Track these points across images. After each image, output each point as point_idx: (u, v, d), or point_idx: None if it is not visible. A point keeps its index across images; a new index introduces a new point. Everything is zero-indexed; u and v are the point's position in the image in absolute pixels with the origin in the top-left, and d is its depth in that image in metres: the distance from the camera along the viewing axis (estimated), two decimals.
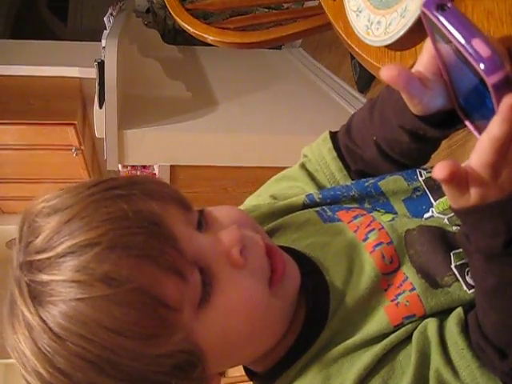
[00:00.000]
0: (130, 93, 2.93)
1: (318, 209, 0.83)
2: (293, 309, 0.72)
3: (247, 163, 2.94)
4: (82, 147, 3.20)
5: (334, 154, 0.90)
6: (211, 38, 1.75)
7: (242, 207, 0.89)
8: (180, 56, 3.45)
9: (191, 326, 0.62)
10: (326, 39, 3.47)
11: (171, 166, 2.99)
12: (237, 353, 0.69)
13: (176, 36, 3.64)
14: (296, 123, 2.96)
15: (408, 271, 0.72)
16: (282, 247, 0.74)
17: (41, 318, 0.58)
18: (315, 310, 0.71)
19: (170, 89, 3.08)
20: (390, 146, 0.82)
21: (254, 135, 2.93)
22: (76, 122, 3.05)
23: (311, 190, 0.88)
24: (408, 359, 0.65)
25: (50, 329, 0.57)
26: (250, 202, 0.91)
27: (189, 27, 1.80)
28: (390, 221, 0.78)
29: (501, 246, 0.57)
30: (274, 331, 0.71)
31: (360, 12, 0.99)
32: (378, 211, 0.83)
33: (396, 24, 0.89)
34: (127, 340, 0.57)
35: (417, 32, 0.85)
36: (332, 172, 0.90)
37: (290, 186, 0.91)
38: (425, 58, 0.68)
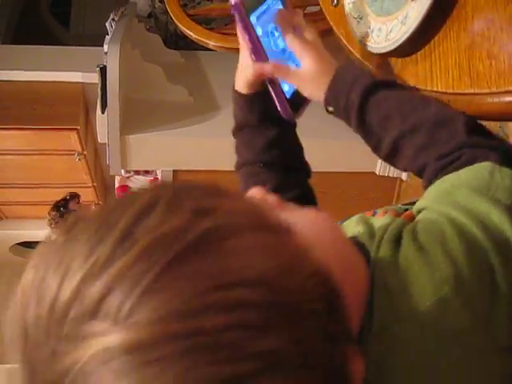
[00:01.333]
0: (132, 98, 2.94)
1: None
2: None
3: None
4: (85, 152, 3.20)
5: None
6: (213, 43, 1.75)
7: None
8: (182, 61, 3.45)
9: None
10: (327, 44, 3.45)
11: (174, 171, 2.99)
12: (353, 282, 0.59)
13: (178, 41, 3.64)
14: (298, 127, 2.95)
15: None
16: None
17: None
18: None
19: (172, 93, 3.08)
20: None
21: None
22: (79, 127, 3.05)
23: None
24: (424, 216, 0.69)
25: None
26: None
27: (191, 33, 1.81)
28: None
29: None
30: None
31: (361, 19, 1.00)
32: None
33: (397, 31, 0.89)
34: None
35: (418, 39, 0.85)
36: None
37: None
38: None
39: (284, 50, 0.88)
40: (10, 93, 3.13)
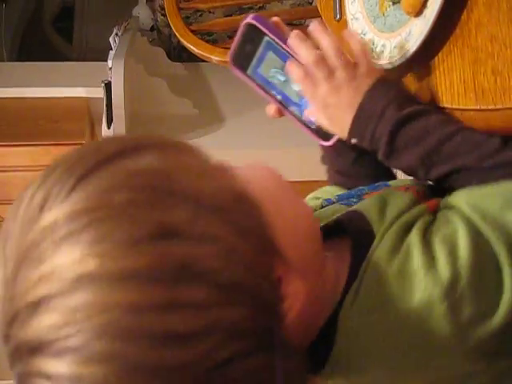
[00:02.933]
0: (137, 112, 2.94)
1: (342, 201, 0.87)
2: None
3: None
4: None
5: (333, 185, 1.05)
6: (216, 58, 1.76)
7: None
8: (186, 73, 3.46)
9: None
10: None
11: None
12: (291, 216, 0.66)
13: (181, 53, 3.65)
14: (304, 137, 2.95)
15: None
16: None
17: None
18: (357, 231, 0.72)
19: (176, 106, 3.09)
20: (345, 164, 1.02)
21: (261, 150, 2.94)
22: (84, 142, 3.05)
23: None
24: (445, 216, 0.71)
25: None
26: None
27: (194, 48, 1.82)
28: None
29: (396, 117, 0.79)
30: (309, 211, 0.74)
31: (364, 35, 1.00)
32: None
33: (400, 47, 0.89)
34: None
35: (421, 55, 0.86)
36: (334, 191, 1.00)
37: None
38: None
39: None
40: (14, 110, 3.14)
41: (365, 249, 0.68)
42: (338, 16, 1.16)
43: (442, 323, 0.62)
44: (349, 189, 0.97)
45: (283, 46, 0.84)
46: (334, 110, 0.83)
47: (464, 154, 0.76)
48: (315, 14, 1.40)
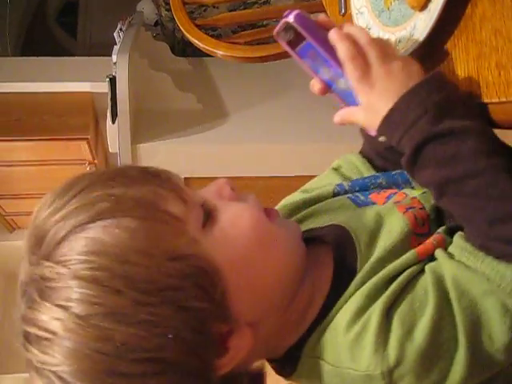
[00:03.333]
0: (142, 107, 2.95)
1: (350, 195, 0.87)
2: (303, 251, 0.75)
3: (260, 173, 2.95)
4: (96, 161, 3.21)
5: (359, 156, 0.99)
6: (221, 52, 1.76)
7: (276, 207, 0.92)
8: (190, 68, 3.46)
9: (199, 238, 0.65)
10: None
11: (185, 178, 3.01)
12: (256, 279, 0.69)
13: (185, 48, 3.65)
14: (308, 131, 2.96)
15: (439, 230, 0.76)
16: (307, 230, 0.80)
17: (53, 261, 0.61)
18: (342, 259, 0.73)
19: (181, 101, 3.09)
20: (378, 146, 0.94)
21: (266, 145, 2.95)
22: (89, 137, 3.06)
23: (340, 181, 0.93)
24: (426, 282, 0.68)
25: (62, 265, 0.60)
26: (283, 202, 0.94)
27: (198, 42, 1.82)
28: (422, 193, 0.82)
29: (427, 123, 0.69)
30: (289, 262, 0.73)
31: (369, 29, 1.00)
32: (409, 188, 0.87)
33: (405, 41, 0.90)
34: (135, 242, 0.61)
35: (426, 49, 0.86)
36: (357, 166, 0.97)
37: (319, 182, 0.97)
38: None
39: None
40: (19, 104, 3.15)
41: (343, 286, 0.71)
42: (343, 10, 1.16)
43: None
44: (374, 167, 0.96)
45: (324, 40, 0.78)
46: (376, 96, 0.74)
47: (479, 203, 0.67)
48: (320, 9, 1.41)
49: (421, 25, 0.86)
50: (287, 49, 0.81)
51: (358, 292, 0.69)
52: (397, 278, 0.69)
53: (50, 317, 0.59)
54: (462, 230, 0.73)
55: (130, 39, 2.90)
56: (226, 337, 0.66)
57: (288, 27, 0.78)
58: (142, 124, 2.90)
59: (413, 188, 0.87)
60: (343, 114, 0.80)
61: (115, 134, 2.82)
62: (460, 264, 0.67)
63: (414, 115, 0.70)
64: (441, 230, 0.76)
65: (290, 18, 0.77)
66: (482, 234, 0.67)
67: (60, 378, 0.59)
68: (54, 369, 0.59)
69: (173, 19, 1.93)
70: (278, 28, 0.79)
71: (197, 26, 1.84)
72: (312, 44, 0.78)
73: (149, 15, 3.70)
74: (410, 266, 0.70)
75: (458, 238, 0.71)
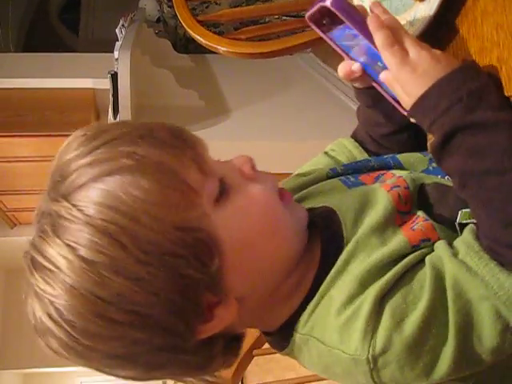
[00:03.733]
0: (143, 103, 2.96)
1: (341, 177, 0.88)
2: (305, 237, 0.76)
3: (262, 170, 2.95)
4: None
5: (352, 140, 0.99)
6: (223, 48, 1.75)
7: None
8: (192, 65, 3.47)
9: (209, 212, 0.66)
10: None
11: None
12: (255, 260, 0.71)
13: (187, 45, 3.66)
14: (309, 128, 2.97)
15: (419, 213, 0.77)
16: None
17: (71, 203, 0.63)
18: (329, 239, 0.75)
19: (182, 98, 3.10)
20: (375, 133, 0.95)
21: (267, 141, 2.95)
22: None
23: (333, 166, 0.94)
24: (424, 276, 0.67)
25: (78, 209, 0.63)
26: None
27: (201, 39, 1.81)
28: (409, 173, 0.83)
29: (460, 111, 0.68)
30: (290, 247, 0.75)
31: None
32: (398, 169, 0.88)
33: None
34: (149, 206, 0.63)
35: (426, 41, 0.86)
36: (350, 150, 0.97)
37: (313, 166, 0.98)
38: None
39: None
40: (21, 100, 3.16)
41: (332, 262, 0.72)
42: None
43: (364, 377, 0.68)
44: (367, 150, 0.97)
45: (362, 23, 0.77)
46: (414, 79, 0.73)
47: (499, 202, 0.66)
48: None
49: (420, 15, 0.86)
50: (319, 32, 0.81)
51: (351, 277, 0.69)
52: (391, 265, 0.69)
53: (57, 253, 0.63)
54: (450, 225, 0.74)
55: (132, 35, 2.90)
56: (213, 306, 0.68)
57: (323, 11, 0.77)
58: (144, 120, 2.90)
59: (403, 170, 0.87)
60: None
61: None
62: (463, 265, 0.66)
63: (447, 102, 0.69)
64: (421, 213, 0.76)
65: (327, 2, 0.75)
66: (493, 236, 0.66)
67: (56, 308, 0.64)
68: (52, 299, 0.64)
69: (175, 16, 1.93)
70: (311, 11, 0.78)
71: (199, 22, 1.83)
72: (349, 28, 0.78)
73: (151, 12, 3.70)
74: (403, 254, 0.70)
75: (468, 232, 0.69)
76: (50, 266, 0.63)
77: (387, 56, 0.74)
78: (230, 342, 0.74)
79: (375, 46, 0.76)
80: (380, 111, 0.92)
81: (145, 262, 0.62)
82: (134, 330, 0.64)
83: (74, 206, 0.63)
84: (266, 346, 1.80)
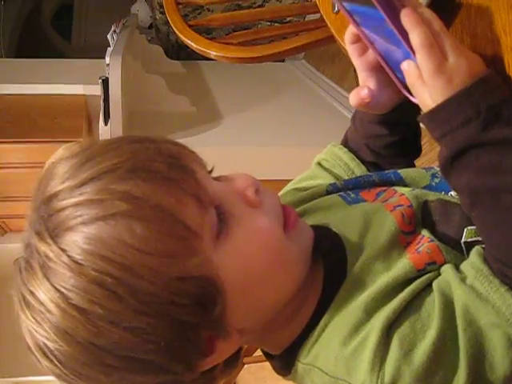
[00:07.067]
0: (135, 109, 2.95)
1: (341, 193, 0.85)
2: (309, 263, 0.73)
3: (254, 176, 2.95)
4: None
5: (345, 149, 0.95)
6: (214, 53, 1.75)
7: None
8: (184, 71, 3.47)
9: (210, 254, 0.63)
10: (329, 51, 3.47)
11: None
12: (258, 297, 0.68)
13: (179, 51, 3.65)
14: (301, 135, 2.96)
15: (424, 233, 0.74)
16: None
17: (59, 247, 0.58)
18: (333, 265, 0.72)
19: (174, 104, 3.09)
20: (376, 144, 0.90)
21: (259, 148, 2.94)
22: (82, 140, 3.05)
23: (332, 181, 0.91)
24: (432, 303, 0.65)
25: (68, 256, 0.58)
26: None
27: (192, 43, 1.80)
28: (411, 190, 0.80)
29: (477, 129, 0.63)
30: (294, 279, 0.71)
31: None
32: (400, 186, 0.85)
33: None
34: (147, 257, 0.58)
35: None
36: (346, 163, 0.93)
37: (310, 183, 0.94)
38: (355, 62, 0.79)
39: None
40: (12, 106, 3.14)
41: (335, 289, 0.69)
42: (336, 9, 1.15)
43: None
44: (362, 160, 0.93)
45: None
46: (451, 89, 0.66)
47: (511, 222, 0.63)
48: (313, 10, 1.40)
49: None
50: (347, 15, 0.74)
51: (355, 304, 0.67)
52: (397, 291, 0.67)
53: (48, 298, 0.58)
54: (455, 243, 0.72)
55: (124, 41, 2.89)
56: (214, 340, 0.66)
57: None
58: (135, 126, 2.89)
59: (405, 186, 0.86)
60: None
61: (108, 136, 2.81)
62: (472, 291, 0.64)
63: (464, 116, 0.64)
64: (425, 233, 0.74)
65: None
66: (503, 259, 0.63)
67: (50, 350, 0.61)
68: (45, 341, 0.60)
69: (167, 22, 1.92)
70: None
71: (190, 26, 1.83)
72: (382, 17, 0.68)
73: (143, 18, 3.70)
74: (409, 279, 0.68)
75: (475, 255, 0.67)
76: (42, 309, 0.59)
77: (424, 58, 0.66)
78: (229, 358, 0.71)
79: (408, 43, 0.67)
80: (385, 126, 0.87)
81: (143, 313, 0.59)
82: (132, 374, 0.62)
83: (62, 250, 0.58)
84: (257, 353, 1.79)
